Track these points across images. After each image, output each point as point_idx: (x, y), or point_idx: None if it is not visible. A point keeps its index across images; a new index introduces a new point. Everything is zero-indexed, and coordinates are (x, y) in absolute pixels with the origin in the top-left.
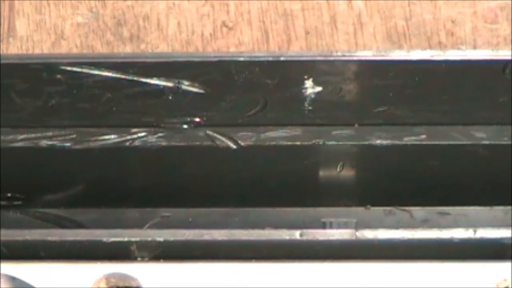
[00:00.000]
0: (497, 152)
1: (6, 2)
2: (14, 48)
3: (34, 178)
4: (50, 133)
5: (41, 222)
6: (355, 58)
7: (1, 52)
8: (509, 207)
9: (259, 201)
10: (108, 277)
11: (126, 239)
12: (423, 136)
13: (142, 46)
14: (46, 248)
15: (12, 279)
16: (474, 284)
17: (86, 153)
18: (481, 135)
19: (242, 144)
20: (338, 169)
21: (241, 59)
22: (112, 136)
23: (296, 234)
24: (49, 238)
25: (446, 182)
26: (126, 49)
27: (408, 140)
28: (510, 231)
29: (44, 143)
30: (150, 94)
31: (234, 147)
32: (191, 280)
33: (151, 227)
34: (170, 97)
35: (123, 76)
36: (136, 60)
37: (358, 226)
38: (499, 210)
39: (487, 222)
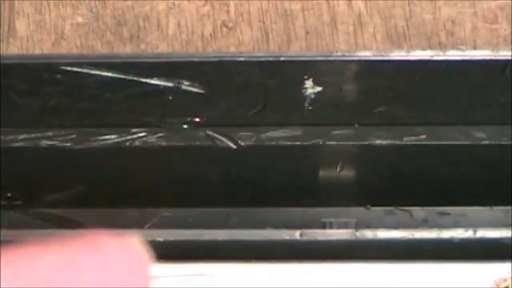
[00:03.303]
0: (497, 152)
1: (6, 2)
2: (14, 48)
3: (34, 178)
4: (50, 133)
5: (41, 222)
6: (355, 58)
7: (1, 52)
8: (509, 207)
9: (259, 201)
10: None
11: None
12: (423, 136)
13: (142, 46)
14: None
15: None
16: (474, 284)
17: (86, 153)
18: (481, 135)
19: (242, 144)
20: (338, 169)
21: (241, 59)
22: (112, 136)
23: (296, 234)
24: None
25: (446, 182)
26: (126, 49)
27: (408, 140)
28: (510, 231)
29: (44, 143)
30: (150, 94)
31: (234, 147)
32: (191, 280)
33: (151, 227)
34: (170, 97)
35: (123, 76)
36: (136, 60)
37: (358, 226)
38: (499, 210)
39: (487, 222)
